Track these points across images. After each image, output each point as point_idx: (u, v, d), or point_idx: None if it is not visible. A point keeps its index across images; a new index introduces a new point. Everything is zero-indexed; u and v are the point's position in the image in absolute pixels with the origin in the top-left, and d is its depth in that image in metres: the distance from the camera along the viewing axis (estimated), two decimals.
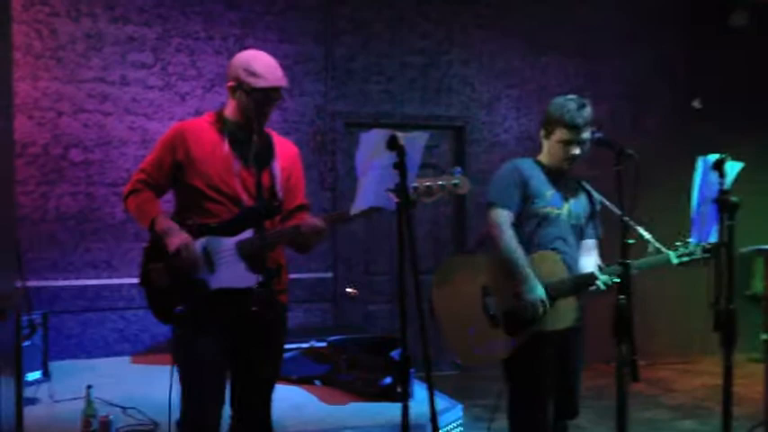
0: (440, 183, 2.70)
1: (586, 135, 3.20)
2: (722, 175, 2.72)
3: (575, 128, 3.18)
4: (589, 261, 3.34)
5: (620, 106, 7.07)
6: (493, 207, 3.28)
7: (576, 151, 3.21)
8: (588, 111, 3.22)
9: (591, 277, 3.14)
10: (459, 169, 2.75)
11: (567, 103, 3.22)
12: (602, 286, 3.10)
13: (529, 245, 3.21)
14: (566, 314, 3.20)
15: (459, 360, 3.33)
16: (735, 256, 2.75)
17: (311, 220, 2.90)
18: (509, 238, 3.18)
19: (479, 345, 3.25)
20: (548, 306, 3.12)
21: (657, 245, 3.15)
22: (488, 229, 3.26)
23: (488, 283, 3.24)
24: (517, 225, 3.23)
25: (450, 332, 3.30)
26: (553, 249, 3.23)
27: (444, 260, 3.55)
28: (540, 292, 3.11)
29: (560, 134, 3.21)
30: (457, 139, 6.85)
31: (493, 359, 3.24)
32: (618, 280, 2.93)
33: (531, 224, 3.24)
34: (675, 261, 3.14)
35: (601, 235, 3.44)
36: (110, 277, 5.84)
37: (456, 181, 2.72)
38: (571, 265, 3.26)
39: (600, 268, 3.17)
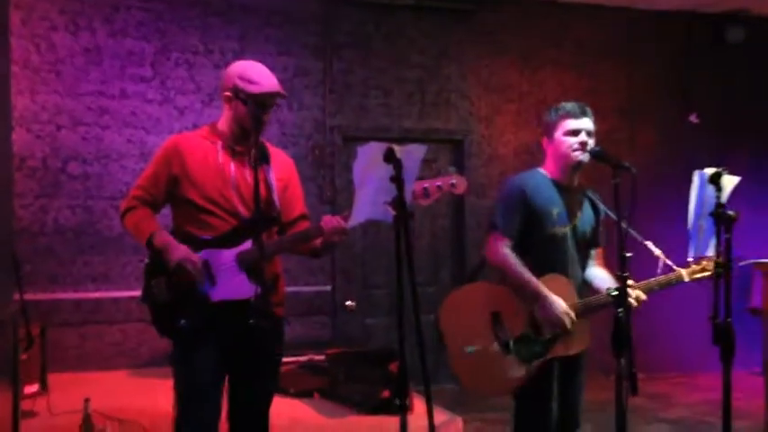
0: (437, 184, 2.70)
1: (591, 125, 3.19)
2: (719, 189, 2.72)
3: (581, 113, 3.18)
4: (602, 274, 3.33)
5: (618, 121, 7.09)
6: (492, 232, 3.22)
7: (584, 138, 3.15)
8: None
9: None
10: (454, 169, 2.76)
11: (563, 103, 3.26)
12: (634, 302, 3.03)
13: (537, 267, 3.15)
14: (580, 338, 3.17)
15: (470, 390, 3.29)
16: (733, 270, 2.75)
17: (332, 219, 2.86)
18: (514, 262, 3.13)
19: (491, 374, 3.19)
20: (574, 317, 3.09)
21: (669, 262, 3.13)
22: (488, 254, 3.20)
23: (499, 310, 3.18)
24: (523, 247, 3.18)
25: (461, 362, 3.24)
26: (561, 271, 3.19)
27: (452, 291, 3.49)
28: (561, 303, 3.08)
29: (566, 125, 3.17)
30: (456, 152, 6.85)
31: (505, 388, 3.18)
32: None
33: (537, 245, 3.19)
34: (688, 279, 3.13)
35: (604, 243, 3.42)
36: (108, 290, 5.83)
37: (453, 181, 2.72)
38: (578, 286, 3.24)
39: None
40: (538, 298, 3.10)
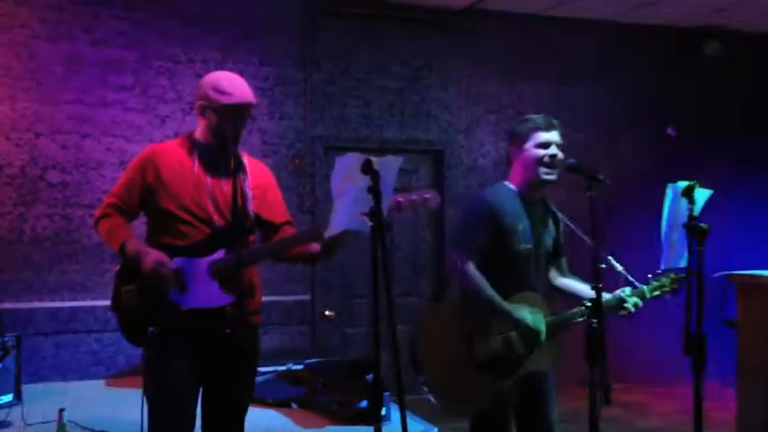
0: (411, 198, 2.73)
1: (560, 138, 3.20)
2: (691, 201, 2.77)
3: (549, 126, 3.19)
4: (575, 285, 3.36)
5: (595, 133, 7.15)
6: (455, 250, 3.21)
7: (554, 151, 3.16)
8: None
9: (620, 300, 3.15)
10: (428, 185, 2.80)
11: (532, 114, 3.28)
12: (632, 308, 3.14)
13: (503, 284, 3.14)
14: (549, 354, 3.19)
15: (447, 412, 3.28)
16: (705, 282, 2.78)
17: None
18: (479, 282, 3.11)
19: (466, 395, 3.18)
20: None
21: (631, 278, 3.18)
22: (456, 274, 3.17)
23: (471, 331, 3.16)
24: (490, 264, 3.16)
25: (437, 384, 3.21)
26: (526, 287, 3.20)
27: (422, 310, 3.49)
28: (532, 319, 3.11)
29: (537, 137, 3.17)
30: (435, 163, 6.89)
31: (478, 408, 3.18)
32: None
33: (504, 263, 3.17)
34: (649, 295, 3.20)
35: (566, 253, 3.45)
36: (85, 299, 5.79)
37: (427, 196, 2.75)
38: (546, 299, 3.26)
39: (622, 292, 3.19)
40: (510, 322, 3.11)
